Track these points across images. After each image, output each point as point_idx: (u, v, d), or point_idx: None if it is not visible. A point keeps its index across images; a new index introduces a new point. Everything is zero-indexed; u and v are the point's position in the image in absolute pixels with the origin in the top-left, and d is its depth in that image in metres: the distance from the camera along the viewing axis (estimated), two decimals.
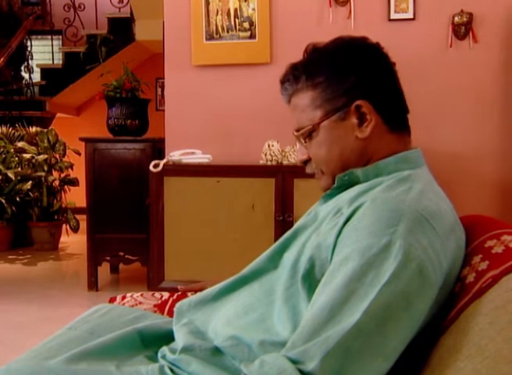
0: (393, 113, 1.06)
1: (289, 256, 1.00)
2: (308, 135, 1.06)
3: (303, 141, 1.08)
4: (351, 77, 1.03)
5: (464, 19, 2.98)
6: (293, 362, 0.76)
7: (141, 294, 1.58)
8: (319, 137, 1.05)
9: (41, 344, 1.14)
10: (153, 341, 1.14)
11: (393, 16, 3.04)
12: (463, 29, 2.99)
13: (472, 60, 3.01)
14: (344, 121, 1.03)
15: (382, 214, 0.86)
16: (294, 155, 2.88)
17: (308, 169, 1.12)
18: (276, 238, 2.79)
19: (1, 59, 6.20)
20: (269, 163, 2.88)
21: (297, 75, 1.08)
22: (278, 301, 0.97)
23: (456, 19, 2.98)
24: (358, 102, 1.01)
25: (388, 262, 0.81)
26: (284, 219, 2.75)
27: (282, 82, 1.12)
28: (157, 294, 1.56)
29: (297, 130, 1.08)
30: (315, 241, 0.95)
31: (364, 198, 0.93)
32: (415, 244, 0.83)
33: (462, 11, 2.98)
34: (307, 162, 1.11)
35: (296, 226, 1.05)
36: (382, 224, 0.85)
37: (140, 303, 1.53)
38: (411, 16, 3.03)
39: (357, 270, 0.81)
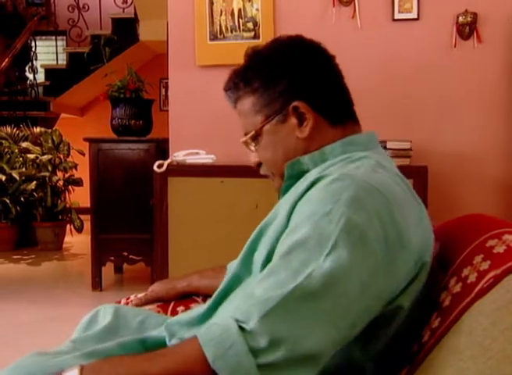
0: (333, 109, 1.08)
1: (258, 257, 1.01)
2: (254, 139, 1.09)
3: (251, 146, 1.11)
4: (284, 80, 1.05)
5: (469, 19, 2.97)
6: (237, 321, 0.78)
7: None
8: (264, 141, 1.08)
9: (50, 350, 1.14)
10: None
11: (397, 16, 3.04)
12: (467, 29, 2.98)
13: (477, 60, 3.01)
14: (285, 123, 1.05)
15: (330, 186, 0.89)
16: None
17: (262, 171, 1.16)
18: None
19: (6, 60, 6.22)
20: None
21: (237, 82, 1.10)
22: None
23: (460, 19, 2.98)
24: (295, 103, 1.03)
25: (330, 228, 0.82)
26: None
27: (226, 90, 1.15)
28: None
29: (245, 136, 1.11)
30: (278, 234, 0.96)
31: (315, 179, 0.95)
32: (359, 211, 0.84)
33: (466, 11, 2.97)
34: (259, 164, 1.14)
35: (259, 226, 1.05)
36: (328, 194, 0.87)
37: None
38: (415, 16, 3.02)
39: (301, 237, 0.83)
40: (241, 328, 0.77)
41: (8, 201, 5.15)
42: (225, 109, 3.23)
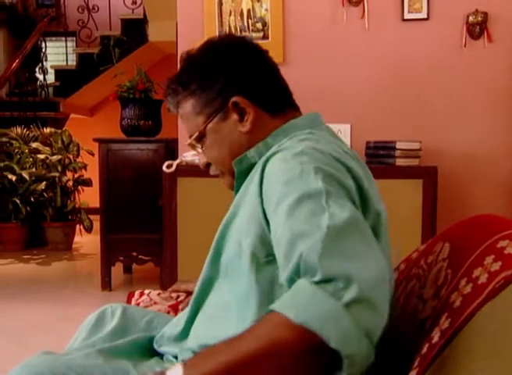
0: (271, 100, 1.10)
1: (227, 256, 1.02)
2: (199, 140, 1.11)
3: (197, 147, 1.13)
4: (221, 78, 1.07)
5: (479, 19, 2.95)
6: (302, 278, 0.78)
7: (158, 294, 1.59)
8: (208, 141, 1.10)
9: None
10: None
11: (407, 16, 3.03)
12: (477, 28, 2.97)
13: (487, 60, 2.99)
14: (226, 120, 1.07)
15: (287, 157, 0.92)
16: None
17: (212, 171, 1.17)
18: None
19: (17, 61, 6.25)
20: None
21: (174, 88, 1.12)
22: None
23: (470, 18, 2.96)
24: (234, 99, 1.05)
25: (313, 183, 0.85)
26: None
27: (165, 97, 1.16)
28: (174, 295, 1.57)
29: (190, 138, 1.13)
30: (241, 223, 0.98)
31: (268, 156, 0.98)
32: (326, 166, 0.89)
33: (477, 10, 2.96)
34: (208, 165, 1.16)
35: (220, 227, 1.06)
36: (290, 162, 0.90)
37: (155, 303, 1.54)
38: (425, 16, 3.01)
39: (293, 201, 0.84)
40: (310, 283, 0.76)
41: (18, 201, 5.18)
42: None
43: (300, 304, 0.75)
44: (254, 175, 0.99)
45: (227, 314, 1.00)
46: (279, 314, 0.75)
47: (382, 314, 0.76)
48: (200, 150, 1.13)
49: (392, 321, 0.95)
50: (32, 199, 5.29)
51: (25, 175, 5.16)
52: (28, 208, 5.23)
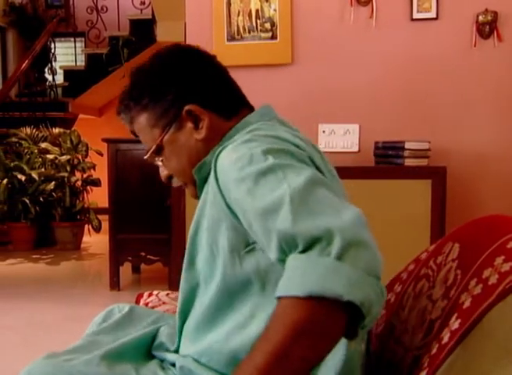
0: (224, 104, 1.10)
1: (201, 262, 1.03)
2: (157, 153, 1.11)
3: (157, 160, 1.13)
4: (171, 88, 1.07)
5: (489, 18, 2.94)
6: (288, 254, 0.79)
7: (167, 294, 1.59)
8: (167, 152, 1.10)
9: (65, 349, 1.15)
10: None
11: (416, 15, 3.02)
12: (487, 28, 2.95)
13: (497, 59, 2.97)
14: (182, 130, 1.07)
15: (235, 148, 0.93)
16: None
17: (174, 183, 1.17)
18: None
19: (26, 62, 6.28)
20: None
21: (127, 104, 1.12)
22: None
23: (480, 18, 2.95)
24: (187, 108, 1.05)
25: (265, 163, 0.87)
26: None
27: (118, 114, 1.16)
28: None
29: (147, 152, 1.13)
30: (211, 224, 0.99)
31: (218, 153, 0.99)
32: (273, 145, 0.91)
33: (486, 10, 2.94)
34: (170, 177, 1.15)
35: (189, 237, 1.07)
36: (239, 152, 0.91)
37: (164, 303, 1.54)
38: (434, 16, 3.00)
39: (252, 185, 0.86)
40: (297, 255, 0.77)
41: (27, 201, 5.20)
42: None
43: (298, 279, 0.75)
44: (211, 176, 0.99)
45: (218, 314, 1.00)
46: (286, 298, 0.75)
47: (374, 249, 0.77)
48: (160, 163, 1.13)
49: (401, 322, 0.95)
50: (41, 199, 5.32)
51: (34, 175, 5.19)
52: (37, 208, 5.26)
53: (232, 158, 0.91)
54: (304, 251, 0.77)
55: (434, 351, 0.86)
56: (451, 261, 1.02)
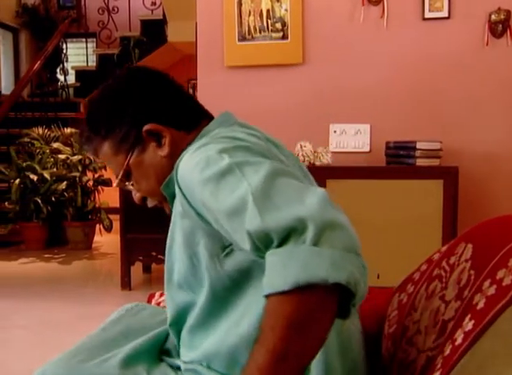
0: (182, 117, 1.10)
1: (180, 275, 1.04)
2: (127, 178, 1.12)
3: (127, 185, 1.14)
4: (127, 112, 1.08)
5: (502, 17, 2.92)
6: (264, 251, 0.78)
7: None
8: (135, 175, 1.11)
9: (75, 346, 1.17)
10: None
11: (427, 14, 3.01)
12: (500, 27, 2.93)
13: (510, 58, 2.95)
14: (146, 150, 1.08)
15: (192, 155, 0.94)
16: (327, 156, 2.86)
17: (149, 204, 1.17)
18: None
19: (38, 62, 6.33)
20: None
21: (87, 136, 1.13)
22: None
23: (492, 16, 2.93)
24: (146, 128, 1.06)
25: (222, 163, 0.87)
26: None
27: (82, 147, 1.19)
28: None
29: (117, 179, 1.13)
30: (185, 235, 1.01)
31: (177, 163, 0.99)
32: (228, 144, 0.92)
33: (499, 8, 2.92)
34: (144, 198, 1.16)
35: (166, 250, 1.08)
36: (196, 157, 0.91)
37: None
38: (446, 15, 2.98)
39: (212, 188, 0.86)
40: (274, 251, 0.77)
41: (39, 200, 5.24)
42: (253, 109, 3.25)
43: (280, 273, 0.75)
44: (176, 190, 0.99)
45: (211, 319, 1.01)
46: (273, 296, 0.75)
47: (347, 226, 0.78)
48: (131, 187, 1.14)
49: (413, 323, 0.95)
50: (53, 199, 5.35)
51: (46, 175, 5.22)
52: (49, 208, 5.29)
53: (191, 165, 0.92)
54: (279, 244, 0.77)
55: (447, 352, 0.85)
56: (464, 261, 1.02)
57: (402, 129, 3.05)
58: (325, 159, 2.86)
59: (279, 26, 3.14)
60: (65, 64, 6.76)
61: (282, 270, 0.74)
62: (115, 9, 6.69)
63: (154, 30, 6.16)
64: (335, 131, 3.13)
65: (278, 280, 0.74)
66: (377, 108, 3.09)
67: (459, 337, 0.85)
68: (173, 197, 1.04)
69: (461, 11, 2.98)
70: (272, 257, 0.77)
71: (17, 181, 5.28)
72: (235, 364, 0.97)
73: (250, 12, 3.16)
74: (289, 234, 0.76)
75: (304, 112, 3.17)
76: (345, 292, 0.75)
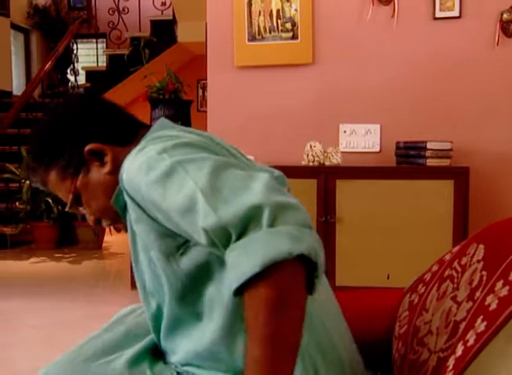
0: (120, 132, 1.12)
1: (150, 283, 1.05)
2: (77, 202, 1.13)
3: (80, 209, 1.15)
4: (65, 138, 1.10)
5: None
6: (226, 243, 0.81)
7: None
8: (85, 198, 1.12)
9: (78, 346, 1.18)
10: None
11: (438, 14, 2.99)
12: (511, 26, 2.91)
13: None
14: (90, 171, 1.09)
15: (133, 160, 0.95)
16: (337, 156, 2.86)
17: (105, 224, 1.19)
18: None
19: (49, 63, 6.36)
20: (311, 164, 2.87)
21: (32, 167, 1.14)
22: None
23: (504, 15, 2.91)
24: (87, 149, 1.07)
25: (163, 163, 0.89)
26: (326, 220, 2.73)
27: (28, 179, 1.21)
28: None
29: (68, 204, 1.14)
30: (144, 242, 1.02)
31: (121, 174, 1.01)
32: (166, 143, 0.93)
33: (511, 7, 2.90)
34: (98, 220, 1.17)
35: (133, 265, 1.09)
36: (138, 161, 0.93)
37: None
38: (457, 14, 2.97)
39: (160, 189, 0.88)
40: (235, 244, 0.80)
41: (50, 200, 5.26)
42: (263, 110, 3.25)
43: (245, 260, 0.77)
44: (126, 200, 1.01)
45: (181, 322, 1.03)
46: (246, 288, 0.77)
47: (295, 204, 0.82)
48: (83, 211, 1.15)
49: (425, 323, 0.94)
50: None
51: None
52: (60, 208, 5.31)
53: (134, 169, 0.93)
54: (238, 236, 0.79)
55: (459, 353, 0.85)
56: (476, 262, 1.01)
57: (412, 129, 3.03)
58: (335, 159, 2.86)
59: (288, 26, 3.14)
60: (76, 64, 6.80)
61: (246, 258, 0.77)
62: (125, 10, 6.71)
63: (164, 31, 6.17)
64: (345, 131, 3.12)
65: (244, 267, 0.76)
66: (387, 108, 3.08)
67: (471, 338, 0.84)
68: (125, 209, 1.05)
69: (473, 10, 2.96)
70: (233, 252, 0.79)
71: (28, 181, 5.31)
72: (217, 359, 0.99)
73: (260, 12, 3.16)
74: (247, 224, 0.79)
75: (313, 112, 3.16)
76: (307, 265, 0.79)
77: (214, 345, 0.98)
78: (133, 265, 1.09)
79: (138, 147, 0.99)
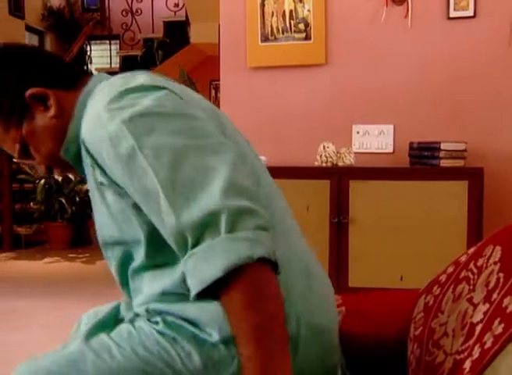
0: (62, 76, 1.10)
1: (109, 233, 1.07)
2: (25, 152, 1.10)
3: (30, 160, 1.13)
4: (6, 85, 1.07)
5: None
6: (192, 243, 0.82)
7: None
8: (33, 146, 1.09)
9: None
10: None
11: (452, 14, 2.97)
12: None
13: None
14: (35, 117, 1.07)
15: (94, 122, 0.94)
16: (350, 156, 2.85)
17: (56, 173, 1.18)
18: (331, 240, 2.77)
19: None
20: (324, 165, 2.86)
21: None
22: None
23: None
24: (28, 93, 1.05)
25: (121, 143, 0.88)
26: (339, 220, 2.72)
27: None
28: None
29: (15, 155, 1.13)
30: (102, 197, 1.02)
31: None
32: (129, 110, 0.90)
33: None
34: (50, 169, 1.16)
35: (94, 215, 1.11)
36: (98, 128, 0.92)
37: None
38: (472, 14, 2.94)
39: (123, 168, 0.89)
40: (194, 250, 0.81)
41: (64, 201, 5.30)
42: (276, 110, 3.25)
43: (206, 267, 0.79)
44: (84, 156, 1.00)
45: (142, 269, 1.05)
46: (222, 295, 0.80)
47: (253, 208, 0.82)
48: (32, 161, 1.13)
49: (440, 325, 0.94)
50: (77, 199, 5.41)
51: (70, 176, 5.28)
52: (73, 208, 5.35)
53: (97, 136, 0.93)
54: (196, 242, 0.81)
55: (476, 355, 0.84)
56: (493, 264, 1.00)
57: (426, 129, 3.02)
58: (348, 160, 2.85)
59: (301, 26, 3.14)
60: (90, 66, 6.85)
61: (206, 265, 0.79)
62: (139, 11, 6.75)
63: (177, 32, 6.20)
64: (358, 132, 3.11)
65: (205, 275, 0.79)
66: (400, 108, 3.07)
67: (488, 341, 0.84)
68: (76, 159, 1.05)
69: (487, 10, 2.94)
70: (192, 258, 0.81)
71: (42, 182, 5.35)
72: (185, 295, 0.98)
73: (272, 12, 3.16)
74: (205, 230, 0.80)
75: (326, 112, 3.16)
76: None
77: (166, 288, 1.00)
78: (94, 215, 1.09)
79: (100, 97, 0.97)
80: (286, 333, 0.81)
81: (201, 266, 0.79)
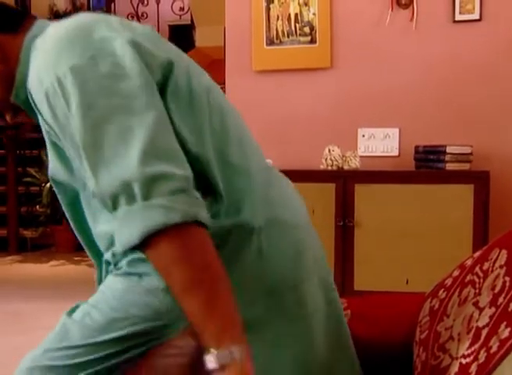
0: (4, 21, 1.06)
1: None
2: None
3: None
4: None
5: None
6: (121, 202, 0.84)
7: None
8: None
9: None
10: None
11: (458, 17, 2.97)
12: None
13: None
14: None
15: (38, 75, 0.94)
16: (355, 160, 2.85)
17: (8, 118, 1.15)
18: (336, 244, 2.77)
19: None
20: (330, 168, 2.86)
21: None
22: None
23: None
24: None
25: (63, 99, 0.88)
26: (345, 224, 2.72)
27: None
28: None
29: None
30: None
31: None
32: (76, 73, 0.89)
33: None
34: (1, 114, 1.14)
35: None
36: (44, 80, 0.92)
37: None
38: (477, 17, 2.94)
39: (57, 130, 0.93)
40: (111, 209, 0.85)
41: None
42: (281, 114, 3.25)
43: (124, 232, 0.82)
44: (31, 103, 1.00)
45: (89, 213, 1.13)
46: (146, 249, 0.83)
47: (168, 172, 0.83)
48: None
49: (446, 329, 0.93)
50: None
51: None
52: None
53: (36, 93, 0.94)
54: (113, 206, 0.84)
55: (482, 359, 0.84)
56: (499, 267, 1.00)
57: (431, 133, 3.01)
58: (354, 164, 2.84)
59: (307, 30, 3.14)
60: None
61: (126, 230, 0.82)
62: (144, 15, 6.77)
63: (182, 35, 6.23)
64: (363, 135, 3.11)
65: (125, 239, 0.82)
66: (406, 112, 3.06)
67: (494, 345, 0.83)
68: (27, 104, 1.03)
69: (493, 13, 2.93)
70: (115, 220, 0.84)
71: (48, 185, 5.36)
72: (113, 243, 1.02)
73: (278, 16, 3.17)
74: (120, 198, 0.83)
75: (332, 116, 3.16)
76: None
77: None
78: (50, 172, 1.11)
79: (43, 47, 0.96)
80: (221, 285, 0.83)
81: (122, 231, 0.83)
